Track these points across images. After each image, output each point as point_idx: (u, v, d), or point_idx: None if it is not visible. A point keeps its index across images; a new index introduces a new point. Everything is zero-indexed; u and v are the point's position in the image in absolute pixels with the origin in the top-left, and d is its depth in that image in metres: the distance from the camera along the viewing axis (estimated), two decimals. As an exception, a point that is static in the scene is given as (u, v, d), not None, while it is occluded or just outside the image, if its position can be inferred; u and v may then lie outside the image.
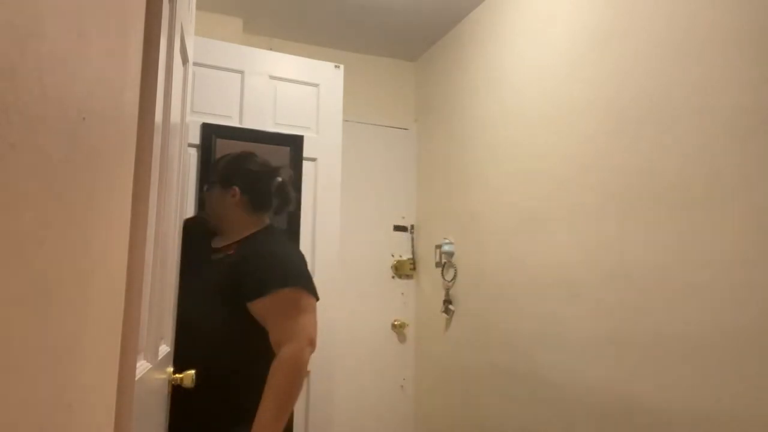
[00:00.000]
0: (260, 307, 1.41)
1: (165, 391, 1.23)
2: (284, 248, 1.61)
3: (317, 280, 1.60)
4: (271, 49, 2.78)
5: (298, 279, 1.48)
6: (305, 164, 2.55)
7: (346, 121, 2.75)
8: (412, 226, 3.33)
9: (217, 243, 1.61)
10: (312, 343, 1.42)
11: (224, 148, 2.42)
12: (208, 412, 1.41)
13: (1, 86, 0.32)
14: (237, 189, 1.59)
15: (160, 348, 1.14)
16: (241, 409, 1.39)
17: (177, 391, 1.29)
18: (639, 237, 1.76)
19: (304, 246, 2.42)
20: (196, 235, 1.60)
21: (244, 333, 1.44)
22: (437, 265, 3.02)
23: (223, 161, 1.69)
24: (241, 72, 2.52)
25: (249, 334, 1.44)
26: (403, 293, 3.29)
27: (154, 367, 1.02)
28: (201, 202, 2.36)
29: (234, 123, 2.47)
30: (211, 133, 2.39)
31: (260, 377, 1.36)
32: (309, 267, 1.61)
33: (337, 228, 2.56)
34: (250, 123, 2.49)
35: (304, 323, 1.41)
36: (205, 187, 1.72)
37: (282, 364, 1.35)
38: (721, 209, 1.50)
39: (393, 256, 3.29)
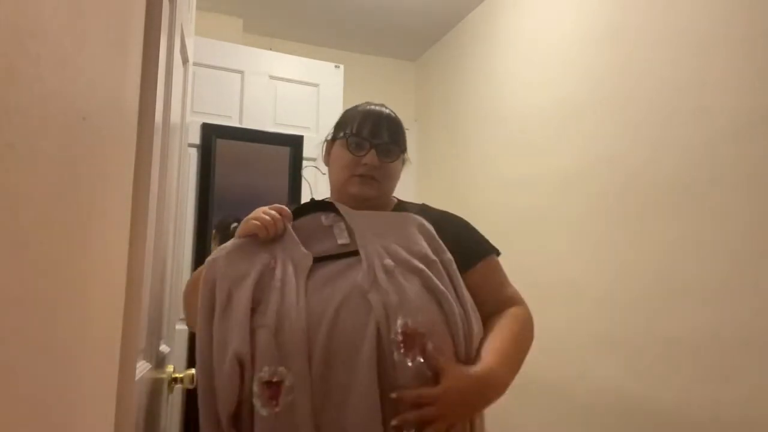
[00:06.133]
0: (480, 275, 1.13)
1: (165, 391, 1.23)
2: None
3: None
4: (271, 49, 2.78)
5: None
6: (305, 164, 2.55)
7: (346, 121, 2.74)
8: (412, 226, 3.33)
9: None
10: None
11: (224, 148, 2.43)
12: None
13: (1, 86, 0.32)
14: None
15: (160, 348, 1.14)
16: None
17: None
18: (639, 237, 1.76)
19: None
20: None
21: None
22: (437, 265, 3.02)
23: (395, 121, 1.23)
24: (241, 72, 2.52)
25: None
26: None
27: (154, 367, 1.02)
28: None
29: (234, 123, 2.48)
30: (211, 133, 2.40)
31: None
32: None
33: (337, 228, 2.56)
34: (250, 123, 2.50)
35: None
36: (387, 158, 1.17)
37: (527, 319, 1.13)
38: (722, 209, 1.50)
39: (393, 256, 3.29)
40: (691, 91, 1.62)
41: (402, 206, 1.26)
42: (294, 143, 2.55)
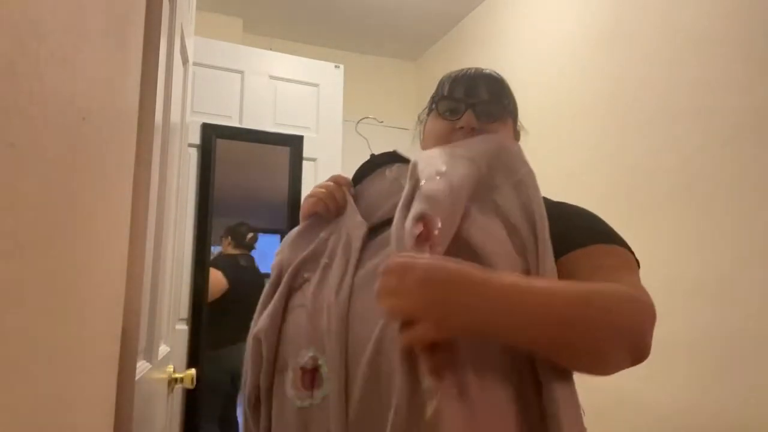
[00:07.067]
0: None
1: (165, 391, 1.23)
2: None
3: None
4: (271, 49, 2.78)
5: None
6: (305, 164, 2.55)
7: (346, 121, 2.75)
8: (412, 226, 3.33)
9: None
10: None
11: (224, 148, 2.42)
12: None
13: (1, 86, 0.32)
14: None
15: (160, 348, 1.14)
16: None
17: None
18: (640, 237, 1.75)
19: (304, 246, 2.42)
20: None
21: None
22: (437, 265, 3.02)
23: (497, 79, 1.00)
24: (241, 72, 2.52)
25: None
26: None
27: (154, 367, 1.02)
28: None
29: (234, 123, 2.48)
30: (211, 133, 2.40)
31: None
32: None
33: (337, 228, 2.56)
34: (250, 123, 2.50)
35: None
36: (488, 118, 0.93)
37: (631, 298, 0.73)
38: (722, 209, 1.50)
39: (393, 256, 3.29)
40: (691, 91, 1.62)
41: None
42: (294, 143, 2.54)
